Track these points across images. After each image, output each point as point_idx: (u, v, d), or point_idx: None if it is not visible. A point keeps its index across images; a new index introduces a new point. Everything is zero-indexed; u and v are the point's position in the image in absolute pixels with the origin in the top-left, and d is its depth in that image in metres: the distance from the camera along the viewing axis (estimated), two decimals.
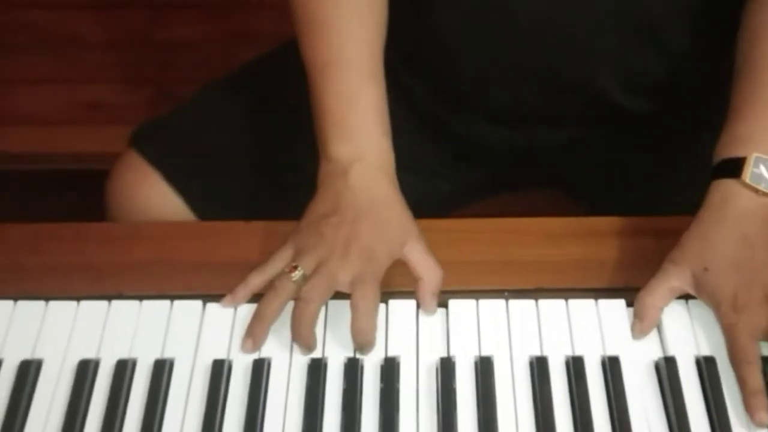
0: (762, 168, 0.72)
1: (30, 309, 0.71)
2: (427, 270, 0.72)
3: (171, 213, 0.89)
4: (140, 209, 0.89)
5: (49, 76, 1.26)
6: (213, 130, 0.94)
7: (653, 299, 0.71)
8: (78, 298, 0.71)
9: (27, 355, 0.68)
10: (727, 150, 0.74)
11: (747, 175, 0.71)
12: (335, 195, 0.74)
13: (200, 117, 0.95)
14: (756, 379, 0.65)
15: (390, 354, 0.68)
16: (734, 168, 0.72)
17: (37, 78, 1.26)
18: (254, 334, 0.69)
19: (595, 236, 0.78)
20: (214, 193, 0.90)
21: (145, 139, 0.92)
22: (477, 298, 0.72)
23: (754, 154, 0.72)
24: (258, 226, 0.78)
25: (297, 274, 0.70)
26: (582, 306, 0.72)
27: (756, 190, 0.71)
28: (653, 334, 0.71)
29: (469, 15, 0.84)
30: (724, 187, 0.72)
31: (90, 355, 0.68)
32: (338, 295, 0.70)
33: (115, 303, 0.71)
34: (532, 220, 0.80)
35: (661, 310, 0.71)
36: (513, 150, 0.95)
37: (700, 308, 0.71)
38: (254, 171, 0.91)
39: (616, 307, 0.72)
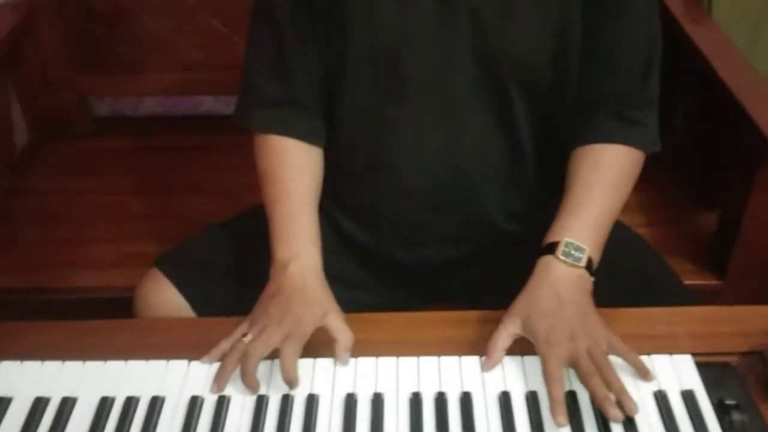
0: (570, 248, 0.89)
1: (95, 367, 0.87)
2: (341, 333, 0.85)
3: (178, 310, 1.01)
4: (157, 308, 1.02)
5: (108, 237, 1.45)
6: (211, 255, 1.07)
7: (497, 342, 0.85)
8: (105, 359, 0.87)
9: (103, 394, 0.83)
10: (549, 237, 0.92)
11: (559, 252, 0.89)
12: (278, 283, 0.89)
13: (202, 247, 1.08)
14: (558, 392, 0.78)
15: (313, 392, 0.83)
16: (552, 248, 0.90)
17: (100, 238, 1.45)
18: (219, 380, 0.83)
19: (469, 323, 0.91)
20: (209, 298, 1.02)
21: (163, 261, 1.05)
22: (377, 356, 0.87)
23: (565, 239, 0.90)
24: (234, 320, 0.91)
25: (248, 338, 0.85)
26: (449, 361, 0.86)
27: (565, 263, 0.88)
28: (500, 377, 0.84)
29: (382, 165, 0.99)
30: (545, 261, 0.89)
31: (111, 394, 0.83)
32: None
33: (130, 362, 0.87)
34: (426, 313, 0.97)
35: (503, 350, 0.85)
36: (423, 265, 1.07)
37: (532, 364, 0.85)
38: (237, 282, 1.02)
39: (473, 361, 0.86)
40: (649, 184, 1.51)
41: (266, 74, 0.99)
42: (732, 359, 0.87)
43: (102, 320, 0.94)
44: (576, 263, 0.88)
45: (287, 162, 0.98)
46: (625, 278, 1.01)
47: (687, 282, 1.27)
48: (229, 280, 1.03)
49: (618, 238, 1.01)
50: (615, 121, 0.97)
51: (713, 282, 1.33)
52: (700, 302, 1.02)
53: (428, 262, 1.08)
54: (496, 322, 0.89)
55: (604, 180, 0.95)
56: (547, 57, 0.94)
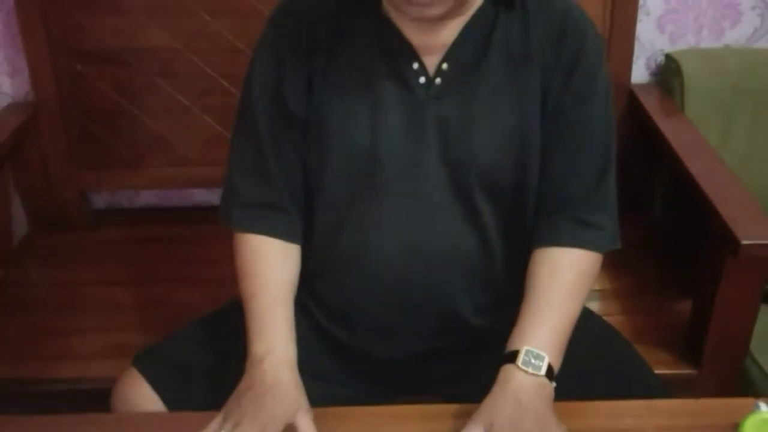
0: (530, 357, 0.90)
1: None
2: None
3: (152, 407, 1.01)
4: (133, 405, 1.02)
5: (96, 327, 1.45)
6: (189, 355, 1.06)
7: None
8: None
9: None
10: (510, 345, 0.92)
11: (520, 361, 0.89)
12: (252, 378, 0.89)
13: (181, 345, 1.08)
14: None
15: None
16: (513, 357, 0.90)
17: (87, 329, 1.45)
18: None
19: (436, 417, 0.91)
20: (185, 398, 1.01)
21: (141, 359, 1.05)
22: None
23: (525, 347, 0.90)
24: (206, 415, 0.89)
25: None
26: None
27: (526, 372, 0.88)
28: None
29: (354, 262, 1.01)
30: (507, 369, 0.90)
31: None
32: None
33: None
34: (394, 407, 0.96)
35: None
36: (394, 359, 1.07)
37: None
38: (213, 383, 1.01)
39: None
40: (626, 272, 1.53)
41: (247, 181, 1.03)
42: None
43: (75, 414, 0.94)
44: (536, 372, 0.89)
45: (264, 258, 1.00)
46: (596, 369, 1.01)
47: (663, 371, 1.27)
48: (206, 381, 1.03)
49: (589, 329, 1.02)
50: (571, 224, 0.99)
51: (689, 371, 1.32)
52: (675, 391, 1.01)
53: (399, 356, 1.08)
54: (462, 416, 0.89)
55: (562, 284, 0.96)
56: (507, 163, 0.97)
